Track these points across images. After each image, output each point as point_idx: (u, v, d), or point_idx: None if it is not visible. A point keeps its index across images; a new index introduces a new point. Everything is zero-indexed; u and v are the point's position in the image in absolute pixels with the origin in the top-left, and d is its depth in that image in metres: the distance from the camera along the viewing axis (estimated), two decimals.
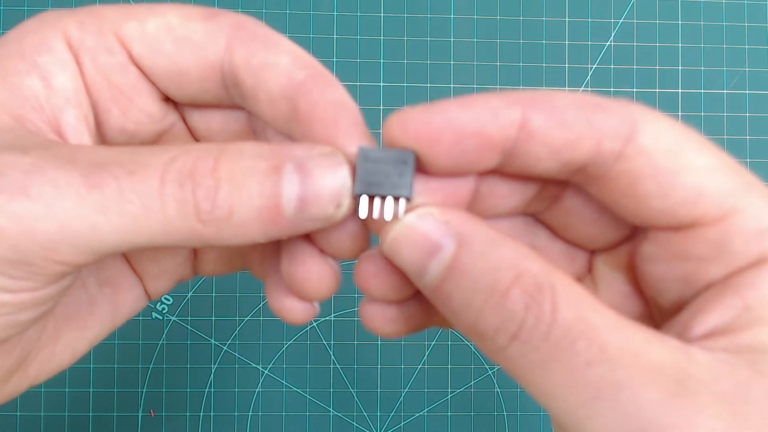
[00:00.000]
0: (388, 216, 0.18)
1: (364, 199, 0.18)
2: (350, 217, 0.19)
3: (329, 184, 0.17)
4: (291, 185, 0.17)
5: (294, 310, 0.21)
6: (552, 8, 0.50)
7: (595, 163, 0.17)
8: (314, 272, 0.20)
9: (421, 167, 0.18)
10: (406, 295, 0.20)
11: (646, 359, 0.15)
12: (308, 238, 0.20)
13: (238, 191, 0.17)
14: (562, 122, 0.17)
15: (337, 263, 0.21)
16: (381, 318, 0.20)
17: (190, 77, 0.20)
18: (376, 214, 0.18)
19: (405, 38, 0.49)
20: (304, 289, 0.20)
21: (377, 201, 0.18)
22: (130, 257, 0.24)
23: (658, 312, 0.19)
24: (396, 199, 0.18)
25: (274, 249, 0.22)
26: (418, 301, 0.20)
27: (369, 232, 0.20)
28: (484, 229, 0.17)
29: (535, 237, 0.21)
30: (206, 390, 0.47)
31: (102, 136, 0.21)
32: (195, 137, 0.22)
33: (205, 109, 0.22)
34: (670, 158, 0.17)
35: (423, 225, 0.17)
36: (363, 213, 0.18)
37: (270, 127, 0.21)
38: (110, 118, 0.20)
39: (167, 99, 0.21)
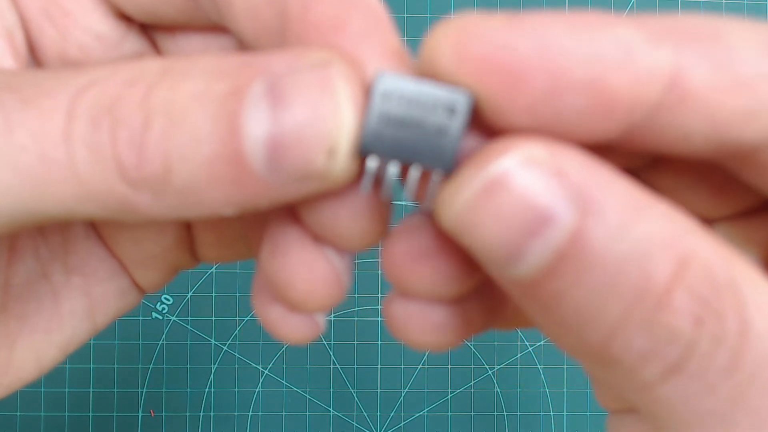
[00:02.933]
0: (410, 197, 0.12)
1: (372, 164, 0.11)
2: (354, 183, 0.12)
3: (311, 115, 0.11)
4: (257, 119, 0.11)
5: (283, 323, 0.15)
6: (552, 8, 0.50)
7: None
8: (302, 270, 0.13)
9: (474, 117, 0.11)
10: (465, 289, 0.13)
11: None
12: (298, 217, 0.13)
13: (177, 131, 0.11)
14: (740, 79, 0.10)
15: (342, 258, 0.14)
16: (422, 324, 0.13)
17: None
18: (386, 195, 0.12)
19: (405, 38, 0.49)
20: (288, 294, 0.14)
21: (393, 169, 0.11)
22: (105, 236, 0.17)
23: None
24: (426, 171, 0.11)
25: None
26: (480, 296, 0.14)
27: (388, 206, 0.13)
28: (622, 184, 0.10)
29: None
30: (206, 390, 0.47)
31: (39, 67, 0.15)
32: None
33: (177, 33, 0.16)
34: None
35: (523, 180, 0.10)
36: (366, 187, 0.12)
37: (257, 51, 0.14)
38: (45, 41, 0.15)
39: (125, 16, 0.15)
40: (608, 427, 0.14)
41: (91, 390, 0.46)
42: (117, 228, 0.17)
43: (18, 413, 0.46)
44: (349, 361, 0.47)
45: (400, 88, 0.11)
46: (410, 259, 0.13)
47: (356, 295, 0.47)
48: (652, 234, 0.10)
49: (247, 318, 0.47)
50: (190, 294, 0.47)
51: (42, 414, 0.46)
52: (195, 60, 0.11)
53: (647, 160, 0.14)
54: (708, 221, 0.14)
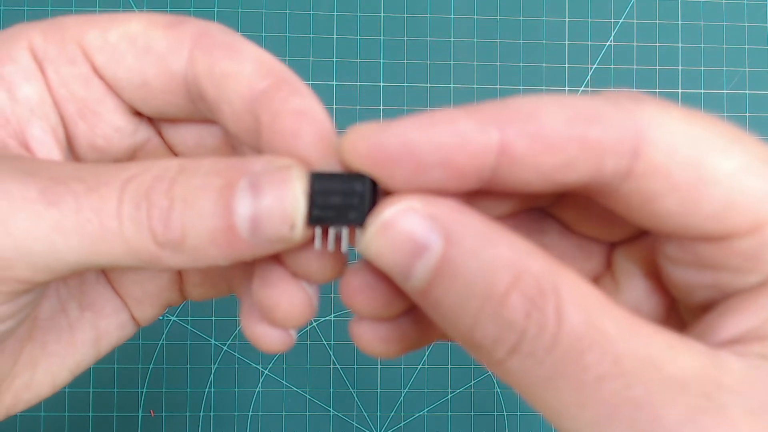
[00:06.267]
0: (344, 249, 0.17)
1: (318, 230, 0.17)
2: (312, 241, 0.17)
3: (278, 202, 0.16)
4: (244, 204, 0.16)
5: (266, 337, 0.20)
6: (552, 8, 0.50)
7: (597, 183, 0.15)
8: (285, 297, 0.18)
9: (378, 188, 0.16)
10: (398, 310, 0.18)
11: (669, 370, 0.14)
12: (280, 259, 0.18)
13: (190, 211, 0.16)
14: (551, 144, 0.15)
15: (312, 288, 0.19)
16: (371, 338, 0.18)
17: (153, 89, 0.19)
18: (330, 247, 0.17)
19: (405, 38, 0.49)
20: (273, 315, 0.19)
21: (332, 231, 0.17)
22: (112, 280, 0.22)
23: (686, 309, 0.18)
24: (352, 228, 0.16)
25: (251, 270, 0.21)
26: (413, 316, 0.18)
27: (338, 253, 0.18)
28: (477, 222, 0.15)
29: (544, 233, 0.19)
30: (206, 390, 0.47)
31: (73, 153, 0.20)
32: (174, 153, 0.21)
33: (178, 124, 0.21)
34: (691, 170, 0.14)
35: (404, 222, 0.15)
36: (318, 244, 0.17)
37: (241, 142, 0.20)
38: (78, 133, 0.20)
39: (137, 113, 0.20)
40: None
41: (91, 390, 0.46)
42: (124, 273, 0.22)
43: (18, 413, 0.46)
44: (349, 361, 0.47)
45: (327, 178, 0.16)
46: (355, 291, 0.17)
47: None
48: (497, 256, 0.14)
49: None
50: None
51: (42, 414, 0.46)
52: (200, 161, 0.16)
53: (551, 200, 0.19)
54: (611, 245, 0.19)
